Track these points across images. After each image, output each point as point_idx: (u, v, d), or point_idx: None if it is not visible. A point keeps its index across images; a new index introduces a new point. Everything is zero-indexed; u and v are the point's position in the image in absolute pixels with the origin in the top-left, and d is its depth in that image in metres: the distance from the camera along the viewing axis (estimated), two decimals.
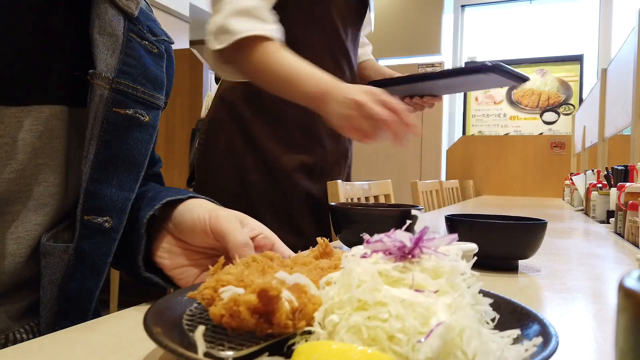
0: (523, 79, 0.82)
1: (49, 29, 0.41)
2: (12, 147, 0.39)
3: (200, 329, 0.24)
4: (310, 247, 0.36)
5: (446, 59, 3.76)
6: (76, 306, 0.43)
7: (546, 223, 0.59)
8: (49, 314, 0.42)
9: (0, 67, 0.38)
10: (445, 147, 3.70)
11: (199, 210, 0.44)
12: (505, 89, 3.73)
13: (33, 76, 0.40)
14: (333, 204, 0.65)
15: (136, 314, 0.38)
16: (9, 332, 0.41)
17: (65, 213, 0.44)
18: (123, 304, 2.20)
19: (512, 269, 0.60)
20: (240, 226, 0.43)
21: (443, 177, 3.67)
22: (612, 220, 1.18)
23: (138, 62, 0.44)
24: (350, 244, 0.64)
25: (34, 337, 0.41)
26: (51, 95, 0.41)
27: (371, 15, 1.10)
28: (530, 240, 0.58)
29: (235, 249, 0.41)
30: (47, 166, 0.42)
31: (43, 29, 0.41)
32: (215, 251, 0.44)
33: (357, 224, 0.63)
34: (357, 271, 0.25)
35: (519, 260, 0.62)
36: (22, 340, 0.41)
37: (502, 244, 0.58)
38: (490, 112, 3.75)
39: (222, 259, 0.32)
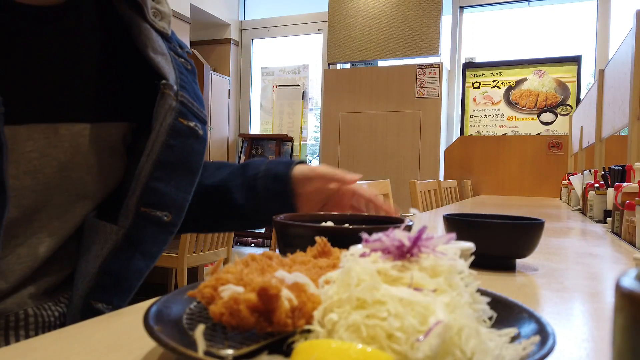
0: None
1: (76, 53, 0.44)
2: (40, 162, 0.42)
3: (200, 327, 0.24)
4: (309, 246, 0.36)
5: (445, 60, 3.77)
6: (120, 282, 0.47)
7: (543, 222, 0.60)
8: (85, 286, 0.45)
9: (34, 89, 0.41)
10: (443, 147, 3.71)
11: (301, 167, 0.60)
12: (503, 89, 3.74)
13: (61, 97, 0.43)
14: (278, 218, 0.48)
15: (136, 312, 0.38)
16: (27, 307, 0.44)
17: (91, 215, 0.48)
18: None
19: (510, 268, 0.60)
20: (313, 173, 0.60)
21: (441, 177, 3.68)
22: (609, 219, 1.18)
23: (187, 78, 0.48)
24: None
25: (47, 314, 0.45)
26: (76, 114, 0.44)
27: None
28: (528, 239, 0.58)
29: (347, 179, 0.59)
30: (69, 178, 0.44)
31: (70, 53, 0.43)
32: (318, 193, 0.60)
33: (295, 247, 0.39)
34: (356, 270, 0.25)
35: (517, 260, 0.62)
36: (35, 316, 0.45)
37: (500, 243, 0.58)
38: (488, 112, 3.76)
39: (221, 259, 0.33)
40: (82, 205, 0.46)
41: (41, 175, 0.42)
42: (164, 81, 0.45)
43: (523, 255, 0.60)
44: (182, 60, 0.50)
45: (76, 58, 0.44)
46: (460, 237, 0.55)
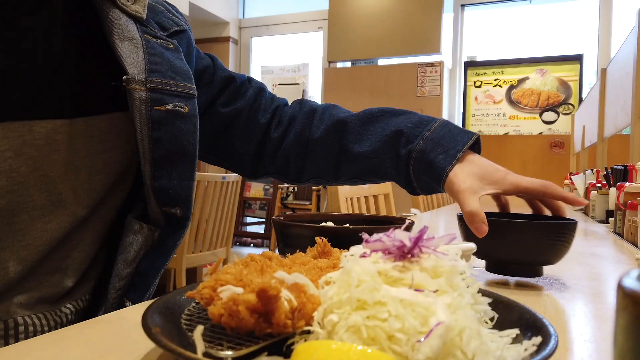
0: None
1: (52, 46, 0.42)
2: (14, 161, 0.40)
3: (199, 328, 0.24)
4: (309, 246, 0.36)
5: (446, 59, 3.76)
6: (145, 280, 0.47)
7: (576, 223, 0.49)
8: (122, 285, 0.46)
9: (6, 85, 0.40)
10: None
11: (466, 170, 0.49)
12: (505, 88, 3.73)
13: (36, 92, 0.42)
14: (277, 218, 0.48)
15: (135, 313, 0.38)
16: (17, 316, 0.43)
17: (82, 216, 0.46)
18: None
19: (536, 274, 0.50)
20: (476, 186, 0.48)
21: None
22: (611, 219, 1.18)
23: (162, 58, 0.46)
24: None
25: (40, 323, 0.44)
26: (53, 110, 0.42)
27: None
28: (561, 242, 0.48)
29: (465, 217, 0.47)
30: (47, 177, 0.43)
31: (46, 47, 0.42)
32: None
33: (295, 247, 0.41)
34: (357, 271, 0.25)
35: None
36: (26, 325, 0.43)
37: (530, 246, 0.47)
38: (490, 111, 3.75)
39: (220, 260, 0.32)
40: (65, 205, 0.44)
41: (16, 174, 0.40)
42: (125, 77, 0.43)
43: (552, 262, 0.49)
44: (161, 41, 0.48)
45: (50, 52, 0.42)
46: (479, 239, 0.46)
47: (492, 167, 0.50)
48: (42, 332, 0.44)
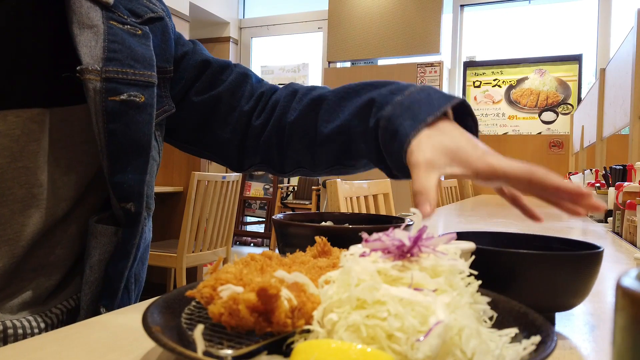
0: None
1: (22, 33, 0.41)
2: None
3: (200, 327, 0.24)
4: (309, 246, 0.36)
5: (445, 59, 3.76)
6: (112, 285, 0.46)
7: (600, 253, 0.37)
8: (94, 292, 0.45)
9: None
10: None
11: (433, 139, 0.39)
12: (504, 88, 3.73)
13: (9, 80, 0.40)
14: (277, 217, 0.47)
15: (135, 312, 0.38)
16: (5, 320, 0.42)
17: (64, 210, 0.45)
18: None
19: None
20: (438, 160, 0.38)
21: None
22: (610, 219, 1.18)
23: (123, 45, 0.44)
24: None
25: (30, 325, 0.43)
26: (28, 99, 0.41)
27: None
28: (573, 280, 0.34)
29: (413, 195, 0.36)
30: (26, 168, 0.41)
31: (16, 33, 0.41)
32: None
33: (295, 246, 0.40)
34: (356, 270, 0.25)
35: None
36: (15, 328, 0.42)
37: (523, 286, 0.34)
38: (489, 111, 3.76)
39: (220, 259, 0.32)
40: (46, 198, 0.43)
41: None
42: (78, 67, 0.41)
43: (562, 306, 0.35)
44: (128, 27, 0.46)
45: (20, 40, 0.41)
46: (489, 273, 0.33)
47: (470, 144, 0.39)
48: (33, 335, 0.43)
